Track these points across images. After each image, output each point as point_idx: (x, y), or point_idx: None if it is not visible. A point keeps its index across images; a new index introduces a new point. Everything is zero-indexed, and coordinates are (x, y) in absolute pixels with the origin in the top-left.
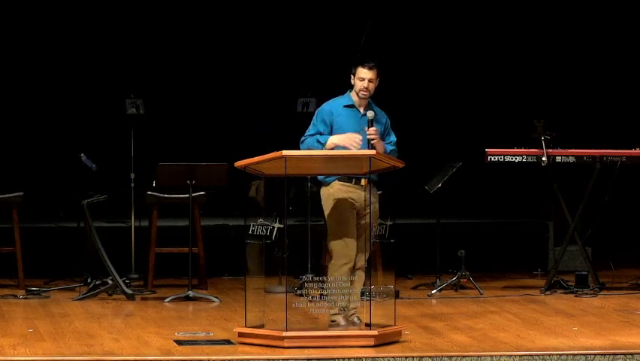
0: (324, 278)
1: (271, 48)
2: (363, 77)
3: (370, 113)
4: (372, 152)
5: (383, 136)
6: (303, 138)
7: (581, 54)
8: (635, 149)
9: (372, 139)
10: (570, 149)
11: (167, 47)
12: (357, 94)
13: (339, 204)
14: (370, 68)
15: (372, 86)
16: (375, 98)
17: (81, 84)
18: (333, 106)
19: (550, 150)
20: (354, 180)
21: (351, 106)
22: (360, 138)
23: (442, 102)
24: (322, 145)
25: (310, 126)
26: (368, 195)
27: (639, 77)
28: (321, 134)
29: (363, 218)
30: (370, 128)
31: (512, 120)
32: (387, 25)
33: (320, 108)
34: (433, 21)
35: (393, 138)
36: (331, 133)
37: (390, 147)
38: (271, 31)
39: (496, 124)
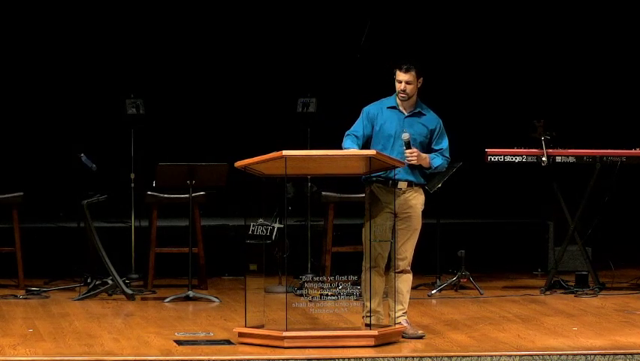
0: (324, 278)
1: (271, 48)
2: (401, 80)
3: (405, 136)
4: (373, 152)
5: (432, 142)
6: (347, 133)
7: (581, 54)
8: (635, 149)
9: (411, 161)
10: (570, 149)
11: (167, 47)
12: (397, 96)
13: (373, 206)
14: (406, 71)
15: (410, 88)
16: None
17: (81, 84)
18: (378, 107)
19: (550, 150)
20: (390, 183)
21: (394, 107)
22: (414, 151)
23: (441, 102)
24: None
25: (356, 124)
26: (405, 199)
27: (639, 77)
28: (356, 135)
29: (403, 222)
30: (407, 151)
31: (512, 120)
32: (388, 25)
33: (365, 108)
34: (433, 21)
35: (444, 144)
36: (372, 133)
37: (438, 161)
38: (271, 31)
39: (496, 124)
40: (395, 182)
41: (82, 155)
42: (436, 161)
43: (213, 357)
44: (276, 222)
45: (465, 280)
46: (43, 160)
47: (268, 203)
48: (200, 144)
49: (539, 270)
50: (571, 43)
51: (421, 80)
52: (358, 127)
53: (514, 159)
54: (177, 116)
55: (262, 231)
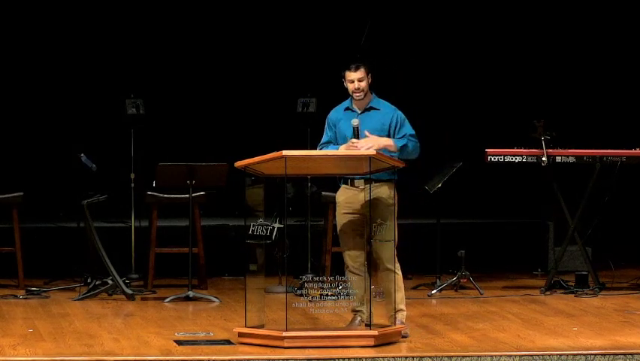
0: (324, 278)
1: (271, 48)
2: (352, 79)
3: (354, 122)
4: (373, 152)
5: (394, 135)
6: (318, 147)
7: (580, 54)
8: (635, 149)
9: (360, 147)
10: (570, 149)
11: (167, 47)
12: (352, 96)
13: (339, 210)
14: (356, 69)
15: (362, 84)
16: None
17: (81, 84)
18: (336, 111)
19: (550, 150)
20: (349, 182)
21: (348, 109)
22: (354, 141)
23: (441, 102)
24: None
25: (323, 134)
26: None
27: (639, 77)
28: (330, 142)
29: (373, 219)
30: (352, 139)
31: (512, 120)
32: (387, 25)
33: (328, 115)
34: (434, 21)
35: (406, 130)
36: (336, 137)
37: (402, 141)
38: (271, 31)
39: (496, 124)
40: (353, 181)
41: (82, 155)
42: (400, 141)
43: (213, 357)
44: (276, 222)
45: (465, 280)
46: (43, 160)
47: (268, 203)
48: (200, 144)
49: (539, 270)
50: (571, 43)
51: (369, 76)
52: (327, 135)
53: (514, 159)
54: (177, 116)
55: (262, 231)
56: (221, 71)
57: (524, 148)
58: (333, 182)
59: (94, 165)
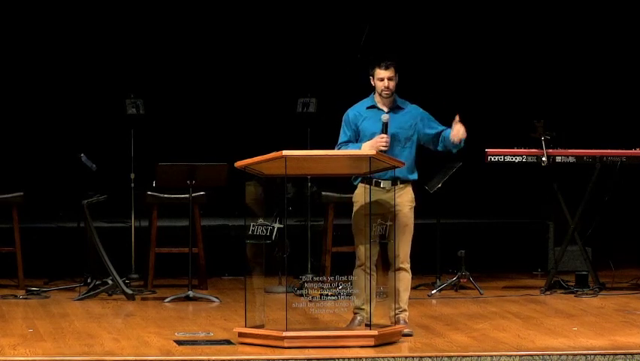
0: (324, 278)
1: (271, 48)
2: (382, 77)
3: (385, 117)
4: (372, 152)
5: (424, 129)
6: (337, 147)
7: (580, 54)
8: (635, 149)
9: (384, 146)
10: (570, 149)
11: (167, 47)
12: (380, 94)
13: (358, 210)
14: (387, 67)
15: (392, 84)
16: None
17: (81, 84)
18: (357, 110)
19: (551, 150)
20: (373, 182)
21: (373, 107)
22: (384, 137)
23: (441, 102)
24: None
25: (340, 134)
26: (392, 198)
27: (639, 77)
28: (350, 141)
29: (391, 220)
30: (379, 135)
31: (512, 120)
32: (387, 25)
33: (345, 114)
34: (434, 21)
35: (440, 125)
36: (357, 136)
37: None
38: (271, 31)
39: (496, 124)
40: (378, 181)
41: (82, 155)
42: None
43: (213, 357)
44: (276, 223)
45: (465, 280)
46: (43, 160)
47: (268, 203)
48: (200, 144)
49: (539, 270)
50: (570, 43)
51: (397, 75)
52: (346, 135)
53: (514, 159)
54: (177, 116)
55: (262, 231)
56: (221, 71)
57: (524, 148)
58: (334, 182)
59: (94, 165)
